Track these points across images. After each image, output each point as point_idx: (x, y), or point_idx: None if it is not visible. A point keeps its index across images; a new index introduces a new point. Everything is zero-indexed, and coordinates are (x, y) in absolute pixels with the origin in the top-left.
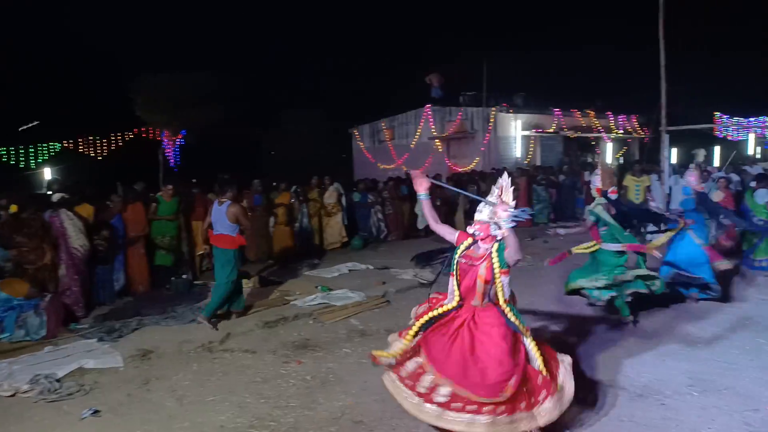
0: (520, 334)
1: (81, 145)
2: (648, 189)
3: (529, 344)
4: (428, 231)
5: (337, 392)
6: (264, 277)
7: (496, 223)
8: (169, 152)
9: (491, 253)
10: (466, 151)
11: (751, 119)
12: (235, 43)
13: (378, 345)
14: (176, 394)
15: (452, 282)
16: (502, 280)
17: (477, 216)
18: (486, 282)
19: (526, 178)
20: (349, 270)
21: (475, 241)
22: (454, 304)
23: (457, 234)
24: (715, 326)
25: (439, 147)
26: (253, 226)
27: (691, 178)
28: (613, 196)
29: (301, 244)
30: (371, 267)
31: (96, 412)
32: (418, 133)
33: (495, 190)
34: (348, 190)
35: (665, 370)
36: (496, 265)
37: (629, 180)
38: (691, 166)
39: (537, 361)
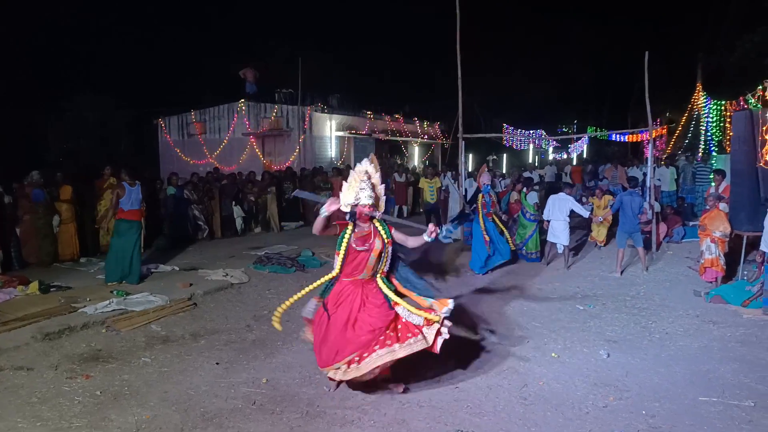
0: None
1: None
2: (440, 190)
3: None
4: (243, 231)
5: (132, 406)
6: (46, 282)
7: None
8: None
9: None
10: (281, 149)
11: (530, 131)
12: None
13: (183, 351)
14: None
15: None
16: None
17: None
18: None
19: (341, 178)
20: (151, 272)
21: (355, 224)
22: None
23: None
24: (500, 315)
25: (254, 144)
26: (35, 226)
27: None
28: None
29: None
30: (176, 268)
31: None
32: (231, 129)
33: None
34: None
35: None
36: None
37: (423, 182)
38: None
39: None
